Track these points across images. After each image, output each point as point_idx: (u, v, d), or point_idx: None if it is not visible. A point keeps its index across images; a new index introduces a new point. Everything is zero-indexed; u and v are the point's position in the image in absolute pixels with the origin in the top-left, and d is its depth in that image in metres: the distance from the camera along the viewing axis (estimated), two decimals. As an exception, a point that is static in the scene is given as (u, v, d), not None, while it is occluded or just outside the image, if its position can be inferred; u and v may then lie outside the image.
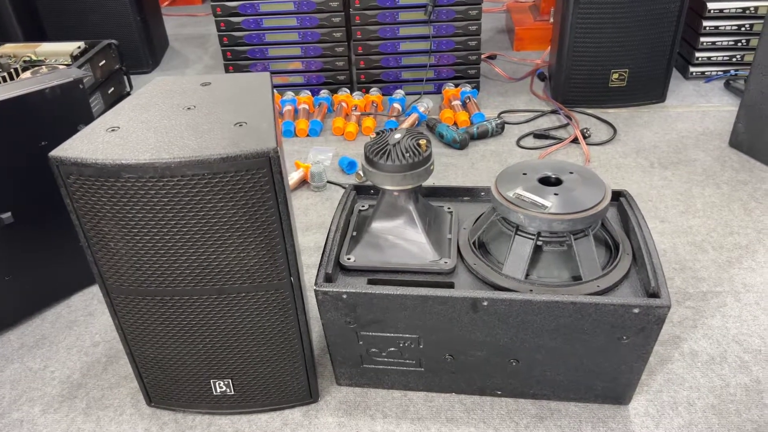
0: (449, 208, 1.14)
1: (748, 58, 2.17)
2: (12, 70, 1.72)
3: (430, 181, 1.52)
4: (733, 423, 1.03)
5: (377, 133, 1.04)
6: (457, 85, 2.20)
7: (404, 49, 2.16)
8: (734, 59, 2.20)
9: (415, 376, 1.08)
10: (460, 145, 1.87)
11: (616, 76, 2.03)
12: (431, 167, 1.01)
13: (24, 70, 1.76)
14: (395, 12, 2.09)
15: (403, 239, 1.03)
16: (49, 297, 1.35)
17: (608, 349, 0.97)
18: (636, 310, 0.90)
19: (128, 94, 2.21)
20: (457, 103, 2.08)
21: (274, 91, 2.20)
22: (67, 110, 1.23)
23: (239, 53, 2.19)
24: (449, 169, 1.79)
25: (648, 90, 2.08)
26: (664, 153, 1.82)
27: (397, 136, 1.02)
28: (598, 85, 2.05)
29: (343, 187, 1.71)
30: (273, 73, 2.23)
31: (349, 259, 1.03)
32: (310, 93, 2.19)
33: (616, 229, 1.07)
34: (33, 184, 1.22)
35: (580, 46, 1.98)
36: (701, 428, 1.02)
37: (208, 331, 0.97)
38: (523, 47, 2.62)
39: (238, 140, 0.83)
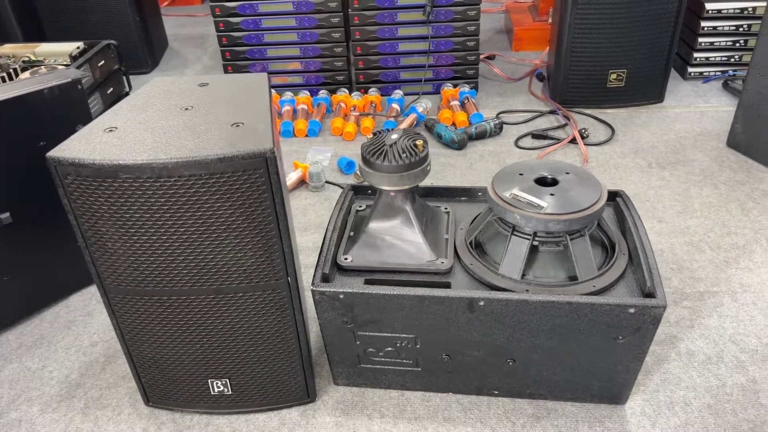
0: (446, 209, 1.14)
1: (747, 58, 2.18)
2: (11, 71, 1.72)
3: (427, 181, 1.52)
4: (729, 423, 1.03)
5: (374, 134, 1.05)
6: (455, 86, 2.20)
7: (403, 50, 2.16)
8: (732, 60, 2.20)
9: (412, 376, 1.09)
10: (459, 145, 1.88)
11: (614, 76, 2.04)
12: (428, 168, 1.02)
13: (23, 70, 1.77)
14: (394, 12, 2.09)
15: (400, 239, 1.04)
16: (47, 297, 1.35)
17: (604, 349, 0.97)
18: (632, 310, 0.91)
19: (127, 94, 2.21)
20: (455, 103, 2.09)
21: (273, 91, 2.21)
22: (66, 110, 1.24)
23: (238, 53, 2.19)
24: (447, 169, 1.79)
25: (646, 90, 2.08)
26: (662, 153, 1.82)
27: (394, 136, 1.02)
28: (597, 86, 2.06)
29: (342, 188, 1.72)
30: (272, 73, 2.23)
31: (346, 259, 1.04)
32: (308, 93, 2.19)
33: (613, 229, 1.07)
34: (31, 185, 1.22)
35: (579, 47, 1.99)
36: (697, 428, 1.03)
37: (205, 331, 0.97)
38: (521, 47, 2.62)
39: (235, 141, 0.83)
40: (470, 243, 1.06)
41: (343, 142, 1.97)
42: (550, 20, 2.56)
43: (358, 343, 1.04)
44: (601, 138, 1.92)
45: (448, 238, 1.08)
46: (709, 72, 2.23)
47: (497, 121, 1.94)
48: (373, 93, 2.17)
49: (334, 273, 1.03)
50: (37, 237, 1.27)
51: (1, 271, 1.24)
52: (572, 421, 1.05)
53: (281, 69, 2.22)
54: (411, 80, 2.22)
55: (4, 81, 1.67)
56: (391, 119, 2.04)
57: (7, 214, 1.20)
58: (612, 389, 1.04)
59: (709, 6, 2.09)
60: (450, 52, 2.17)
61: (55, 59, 1.87)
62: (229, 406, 1.08)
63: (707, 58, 2.21)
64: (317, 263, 1.01)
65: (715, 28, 2.14)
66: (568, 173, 1.03)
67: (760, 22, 2.08)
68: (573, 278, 0.98)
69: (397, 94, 2.15)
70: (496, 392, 1.09)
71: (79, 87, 1.25)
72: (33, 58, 1.87)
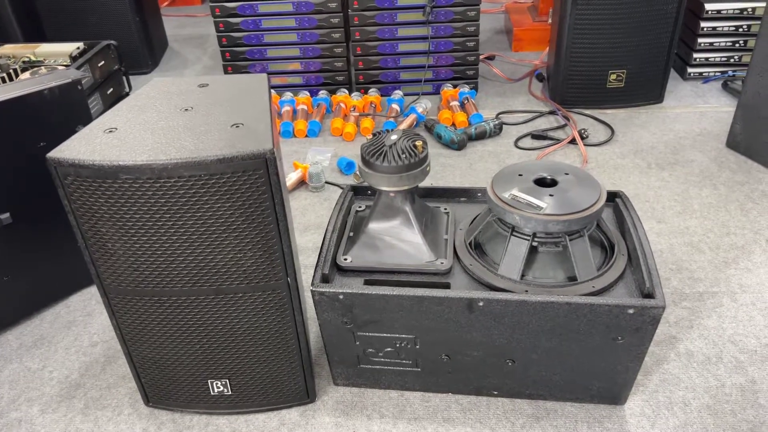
0: (446, 209, 1.15)
1: (746, 59, 2.18)
2: (11, 71, 1.72)
3: (427, 182, 1.52)
4: (728, 423, 1.03)
5: (374, 135, 1.05)
6: (455, 86, 2.20)
7: (403, 50, 2.16)
8: (732, 60, 2.20)
9: (411, 377, 1.09)
10: (458, 145, 1.88)
11: (614, 76, 2.04)
12: (427, 168, 1.02)
13: (23, 70, 1.77)
14: (394, 13, 2.09)
15: (399, 240, 1.04)
16: (47, 297, 1.35)
17: (604, 350, 0.97)
18: (631, 311, 0.91)
19: (127, 94, 2.22)
20: (455, 103, 2.09)
21: (273, 91, 2.22)
22: (66, 111, 1.24)
23: (238, 54, 2.20)
24: (447, 169, 1.80)
25: (646, 91, 2.08)
26: (661, 154, 1.83)
27: (394, 137, 1.02)
28: (596, 86, 2.06)
29: (342, 188, 1.72)
30: (272, 73, 2.23)
31: (345, 259, 1.04)
32: (308, 93, 2.19)
33: (612, 229, 1.07)
34: (32, 185, 1.23)
35: (578, 47, 1.99)
36: (696, 428, 1.03)
37: (205, 332, 0.98)
38: (521, 48, 2.62)
39: (235, 141, 0.83)
40: (470, 243, 1.06)
41: (343, 143, 1.97)
42: (549, 21, 2.56)
43: (357, 343, 1.04)
44: (600, 138, 1.93)
45: (448, 238, 1.08)
46: (709, 72, 2.23)
47: (497, 122, 1.95)
48: (373, 93, 2.17)
49: (334, 273, 1.04)
50: (37, 237, 1.27)
51: (1, 272, 1.25)
52: (571, 421, 1.05)
53: (281, 69, 2.23)
54: (411, 81, 2.22)
55: (4, 81, 1.68)
56: (391, 119, 2.04)
57: (8, 215, 1.21)
58: (611, 389, 1.04)
59: (708, 6, 2.09)
60: (450, 53, 2.17)
61: (55, 60, 1.88)
62: (229, 406, 1.08)
63: (707, 59, 2.21)
64: (317, 264, 1.02)
65: (714, 28, 2.14)
66: (567, 174, 1.04)
67: (759, 22, 2.08)
68: (572, 279, 0.98)
69: (397, 94, 2.16)
70: (495, 392, 1.09)
71: (79, 87, 1.25)
72: (33, 58, 1.87)
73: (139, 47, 2.53)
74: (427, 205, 1.12)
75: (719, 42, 2.17)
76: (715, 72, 2.23)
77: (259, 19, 2.13)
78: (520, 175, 1.04)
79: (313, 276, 0.99)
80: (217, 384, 1.05)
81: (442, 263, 1.02)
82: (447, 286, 1.00)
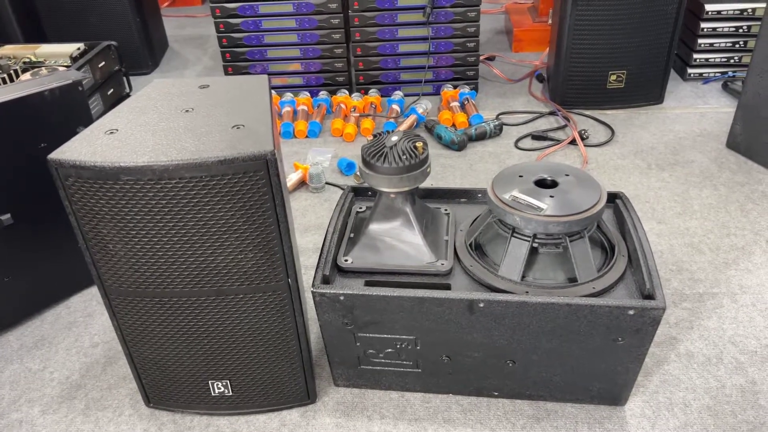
0: (446, 210, 1.15)
1: (746, 59, 2.18)
2: (11, 72, 1.72)
3: (427, 183, 1.52)
4: (728, 424, 1.03)
5: (375, 135, 1.05)
6: (455, 87, 2.20)
7: (403, 51, 2.16)
8: (732, 61, 2.20)
9: (412, 377, 1.09)
10: (459, 146, 1.88)
11: (614, 77, 2.04)
12: (428, 169, 1.02)
13: (23, 71, 1.77)
14: (394, 13, 2.09)
15: (400, 241, 1.04)
16: (48, 298, 1.36)
17: (604, 351, 0.97)
18: (631, 312, 0.91)
19: (128, 95, 2.22)
20: (455, 104, 2.09)
21: (273, 92, 2.22)
22: (67, 112, 1.24)
23: (238, 54, 2.20)
24: (447, 170, 1.80)
25: (646, 91, 2.09)
26: (661, 154, 1.83)
27: (394, 138, 1.02)
28: (596, 87, 2.06)
29: (342, 189, 1.72)
30: (272, 74, 2.23)
31: (346, 260, 1.04)
32: (309, 94, 2.19)
33: (612, 230, 1.07)
34: (32, 186, 1.23)
35: (578, 48, 1.99)
36: (697, 429, 1.03)
37: (206, 333, 0.98)
38: (521, 49, 2.62)
39: (236, 143, 0.83)
40: (470, 244, 1.06)
41: (343, 144, 1.97)
42: (549, 21, 2.56)
43: (358, 344, 1.04)
44: (600, 139, 1.93)
45: (448, 239, 1.08)
46: (709, 73, 2.23)
47: (497, 123, 1.95)
48: (373, 94, 2.17)
49: (335, 274, 1.04)
50: (38, 238, 1.28)
51: (2, 272, 1.25)
52: (572, 422, 1.05)
53: (281, 70, 2.23)
54: (411, 81, 2.22)
55: (4, 82, 1.68)
56: (391, 120, 2.04)
57: (8, 216, 1.21)
58: (612, 390, 1.04)
59: (708, 7, 2.10)
60: (450, 53, 2.17)
61: (55, 60, 1.88)
62: (230, 407, 1.08)
63: (707, 60, 2.21)
64: (317, 265, 1.02)
65: (714, 29, 2.14)
66: (567, 175, 1.04)
67: (759, 23, 2.08)
68: (572, 280, 0.98)
69: (397, 95, 2.16)
70: (496, 393, 1.09)
71: (80, 88, 1.25)
72: (33, 59, 1.87)
73: (139, 48, 2.53)
74: (427, 206, 1.13)
75: (719, 43, 2.17)
76: (715, 73, 2.23)
77: (260, 20, 2.13)
78: (520, 176, 1.04)
79: (314, 277, 0.99)
80: (217, 385, 1.05)
81: (442, 264, 1.02)
82: (447, 287, 1.00)
